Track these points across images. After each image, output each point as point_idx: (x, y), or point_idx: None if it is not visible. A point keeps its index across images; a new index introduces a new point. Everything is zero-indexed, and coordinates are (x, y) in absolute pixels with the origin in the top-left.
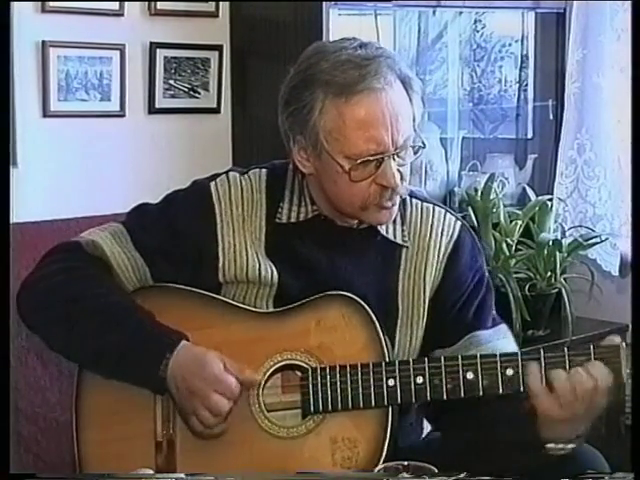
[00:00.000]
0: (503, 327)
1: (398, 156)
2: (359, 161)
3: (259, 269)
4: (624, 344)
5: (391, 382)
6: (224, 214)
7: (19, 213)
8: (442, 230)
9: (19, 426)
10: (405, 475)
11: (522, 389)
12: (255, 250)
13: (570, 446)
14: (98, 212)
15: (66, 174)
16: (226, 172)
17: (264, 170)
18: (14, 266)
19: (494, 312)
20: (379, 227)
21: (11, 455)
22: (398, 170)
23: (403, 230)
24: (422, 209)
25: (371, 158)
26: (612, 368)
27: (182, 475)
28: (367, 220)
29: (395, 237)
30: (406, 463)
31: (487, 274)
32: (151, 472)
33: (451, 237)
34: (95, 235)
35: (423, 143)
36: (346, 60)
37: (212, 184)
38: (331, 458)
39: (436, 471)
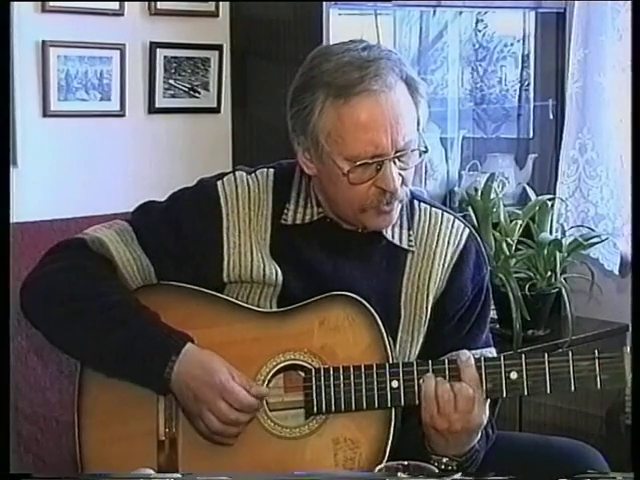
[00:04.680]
0: (491, 350)
1: (399, 160)
2: (358, 163)
3: (263, 269)
4: (627, 349)
5: (395, 384)
6: (230, 213)
7: (19, 213)
8: (449, 238)
9: (19, 426)
10: (405, 475)
11: (526, 393)
12: (260, 250)
13: (452, 462)
14: (98, 212)
15: (66, 174)
16: (233, 171)
17: (271, 170)
18: (14, 266)
19: (487, 333)
20: (384, 232)
21: (11, 455)
22: (399, 174)
23: (409, 235)
24: (430, 214)
25: (370, 161)
26: (614, 374)
27: (179, 475)
28: (366, 224)
29: (401, 242)
30: (406, 463)
31: (488, 286)
32: (150, 472)
33: (457, 246)
34: (100, 232)
35: (426, 147)
36: (347, 62)
37: (219, 183)
38: (333, 459)
39: (436, 471)
